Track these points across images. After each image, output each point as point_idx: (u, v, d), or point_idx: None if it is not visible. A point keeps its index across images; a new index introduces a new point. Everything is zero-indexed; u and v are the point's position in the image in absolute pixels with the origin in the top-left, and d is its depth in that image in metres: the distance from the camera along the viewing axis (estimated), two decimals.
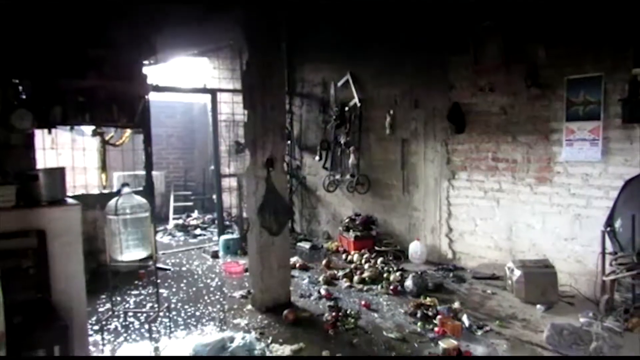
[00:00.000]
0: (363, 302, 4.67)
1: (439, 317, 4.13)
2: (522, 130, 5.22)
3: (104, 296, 4.89)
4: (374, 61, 6.76)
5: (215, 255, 6.71)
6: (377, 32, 6.62)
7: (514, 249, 5.38)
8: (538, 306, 4.46)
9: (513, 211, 5.38)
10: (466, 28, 5.58)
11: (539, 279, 4.61)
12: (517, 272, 4.71)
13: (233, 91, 7.95)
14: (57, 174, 3.39)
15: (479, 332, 3.97)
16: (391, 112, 6.55)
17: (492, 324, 4.13)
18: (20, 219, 2.97)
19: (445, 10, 5.70)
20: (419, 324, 4.16)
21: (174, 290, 5.30)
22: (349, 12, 6.66)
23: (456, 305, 4.43)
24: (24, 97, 5.03)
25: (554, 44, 4.86)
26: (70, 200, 3.33)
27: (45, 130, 5.41)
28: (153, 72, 6.97)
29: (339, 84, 7.19)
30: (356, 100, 6.92)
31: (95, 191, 6.37)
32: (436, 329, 3.99)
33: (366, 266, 5.79)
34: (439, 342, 3.68)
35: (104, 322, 4.03)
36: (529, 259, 5.02)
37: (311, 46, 7.74)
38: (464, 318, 4.14)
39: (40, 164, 5.38)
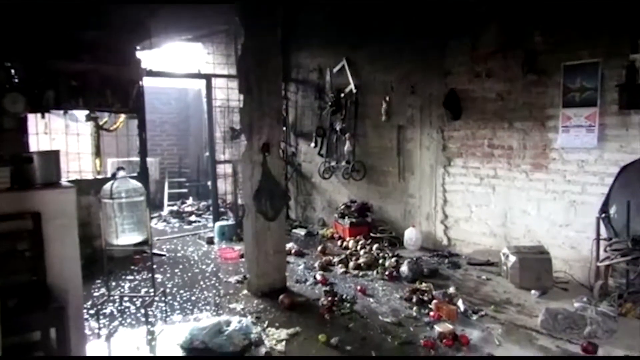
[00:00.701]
0: (359, 288, 4.68)
1: (434, 301, 4.15)
2: (519, 116, 5.21)
3: (99, 281, 4.88)
4: (370, 47, 6.72)
5: (210, 241, 6.70)
6: (373, 17, 6.57)
7: (509, 235, 5.41)
8: (532, 292, 4.49)
9: (508, 198, 5.40)
10: (464, 13, 5.55)
11: (534, 265, 4.64)
12: (512, 258, 4.74)
13: (228, 77, 7.90)
14: (52, 157, 3.35)
15: (474, 317, 3.99)
16: (387, 98, 6.52)
17: (487, 308, 4.16)
18: (15, 201, 2.93)
19: None
20: (414, 308, 4.18)
21: (169, 275, 5.29)
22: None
23: (451, 290, 4.45)
24: (16, 80, 4.97)
25: (551, 30, 4.85)
26: (65, 183, 3.30)
27: (39, 115, 5.35)
28: (147, 57, 6.90)
29: (335, 70, 7.14)
30: (352, 86, 6.88)
31: (90, 177, 6.33)
32: (432, 313, 4.01)
33: (361, 252, 5.80)
34: (435, 326, 3.71)
35: (99, 307, 4.02)
36: (524, 245, 5.05)
37: (307, 32, 7.67)
38: (459, 303, 4.16)
39: (33, 149, 5.34)
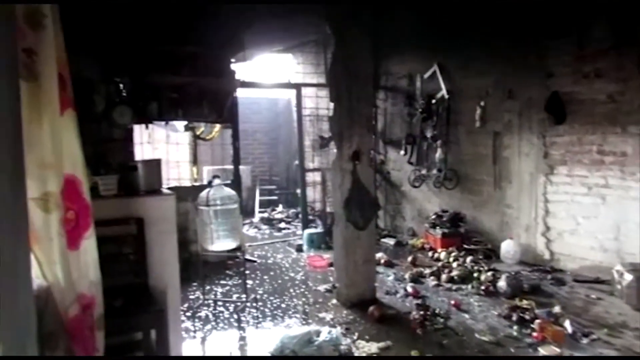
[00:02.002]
0: (452, 302, 4.46)
1: (537, 321, 3.83)
2: (634, 120, 4.73)
3: (195, 284, 5.07)
4: (463, 50, 6.45)
5: (299, 248, 6.76)
6: (466, 19, 6.31)
7: (623, 250, 4.90)
8: None
9: (621, 209, 4.90)
10: (567, 9, 5.16)
11: None
12: (628, 277, 4.29)
13: (317, 86, 7.98)
14: (154, 166, 3.53)
15: (584, 340, 3.64)
16: (482, 103, 6.22)
17: (599, 332, 3.77)
18: (121, 207, 3.11)
19: None
20: (514, 327, 3.89)
21: (260, 281, 5.39)
22: (434, 1, 6.38)
23: (557, 309, 4.10)
24: (124, 94, 5.34)
25: None
26: (165, 190, 3.46)
27: (143, 126, 5.71)
28: (241, 68, 7.15)
29: (426, 75, 6.95)
30: (444, 92, 6.65)
31: (187, 184, 6.64)
32: (534, 334, 3.71)
33: (454, 265, 5.55)
34: (539, 348, 3.43)
35: (195, 310, 4.16)
36: None
37: (396, 38, 7.54)
38: (567, 324, 3.82)
39: (138, 157, 5.71)
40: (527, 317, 3.99)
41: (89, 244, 1.79)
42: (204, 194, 3.94)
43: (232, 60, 6.35)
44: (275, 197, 10.14)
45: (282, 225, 8.57)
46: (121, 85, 5.35)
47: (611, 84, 4.88)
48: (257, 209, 9.45)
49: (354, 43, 4.50)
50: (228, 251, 4.16)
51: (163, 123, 5.91)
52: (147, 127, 5.70)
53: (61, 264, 1.59)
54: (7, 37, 1.32)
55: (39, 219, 1.52)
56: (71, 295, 1.64)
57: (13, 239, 1.32)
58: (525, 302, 4.30)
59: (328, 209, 7.68)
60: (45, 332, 1.57)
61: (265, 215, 9.18)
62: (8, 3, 1.27)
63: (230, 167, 6.46)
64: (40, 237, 1.53)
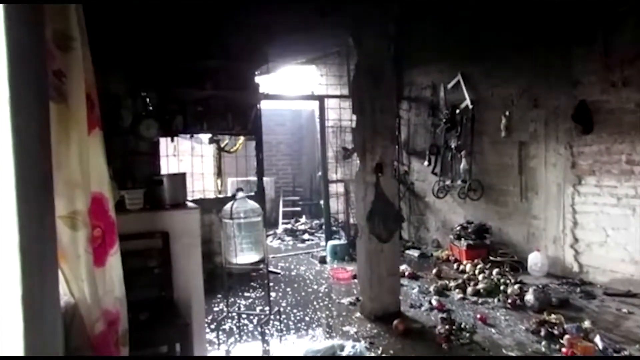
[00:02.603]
0: (478, 316, 4.38)
1: (566, 336, 3.73)
2: None
3: (219, 296, 5.10)
4: (487, 59, 6.40)
5: (322, 260, 6.75)
6: (489, 27, 6.26)
7: None
8: None
9: None
10: (592, 17, 5.07)
11: None
12: None
13: (340, 97, 8.00)
14: (179, 179, 3.59)
15: (616, 357, 3.53)
16: (507, 113, 6.14)
17: (631, 348, 3.66)
18: (147, 221, 3.17)
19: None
20: (543, 343, 3.80)
21: (283, 293, 5.39)
22: (460, 6, 6.34)
23: (586, 324, 3.99)
24: (150, 108, 5.45)
25: None
26: (190, 204, 3.51)
27: (169, 138, 5.80)
28: (264, 81, 7.23)
29: (449, 85, 6.91)
30: (468, 102, 6.60)
31: (212, 196, 6.71)
32: (564, 349, 3.61)
33: (480, 277, 5.46)
34: None
35: (219, 322, 4.18)
36: None
37: (419, 49, 7.52)
38: (597, 339, 3.70)
39: (163, 170, 5.80)
40: (555, 332, 3.89)
41: (114, 260, 1.82)
42: (227, 206, 3.97)
43: (256, 72, 6.43)
44: (298, 208, 10.17)
45: (306, 236, 8.58)
46: (147, 100, 5.46)
47: (639, 93, 4.76)
48: (280, 220, 9.49)
49: (377, 55, 4.50)
50: (252, 263, 4.18)
51: (188, 136, 6.01)
52: (172, 140, 5.79)
53: (88, 281, 1.63)
54: (37, 60, 1.36)
55: (67, 237, 1.56)
56: (97, 312, 1.68)
57: (41, 256, 1.35)
58: (553, 316, 4.20)
59: (351, 220, 7.66)
60: (71, 348, 1.60)
61: (289, 226, 9.21)
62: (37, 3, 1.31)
63: (254, 178, 6.51)
64: (67, 255, 1.57)
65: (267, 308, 4.31)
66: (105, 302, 1.73)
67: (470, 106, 6.57)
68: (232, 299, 5.08)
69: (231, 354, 3.88)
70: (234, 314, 4.53)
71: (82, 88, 1.57)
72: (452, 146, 6.85)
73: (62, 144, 1.54)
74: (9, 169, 1.10)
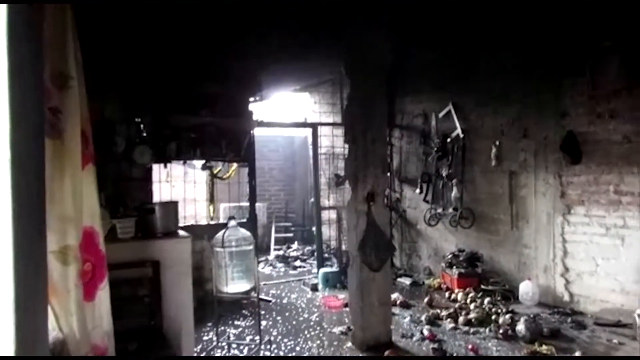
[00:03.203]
0: (470, 346, 4.37)
1: None
2: None
3: (209, 324, 5.05)
4: (478, 90, 6.52)
5: (314, 288, 6.71)
6: (481, 59, 6.40)
7: None
8: None
9: None
10: (580, 50, 5.21)
11: None
12: None
13: (333, 124, 8.08)
14: (171, 208, 3.60)
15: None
16: (497, 142, 6.23)
17: None
18: (138, 250, 3.17)
19: (556, 32, 5.38)
20: None
21: (274, 322, 5.35)
22: (452, 36, 6.49)
23: (577, 354, 3.99)
24: (144, 134, 5.48)
25: None
26: (182, 233, 3.51)
27: (162, 164, 5.82)
28: (258, 107, 7.30)
29: (441, 114, 7.01)
30: (459, 131, 6.69)
31: (204, 222, 6.70)
32: None
33: (472, 306, 5.45)
34: None
35: (208, 352, 4.14)
36: None
37: (411, 77, 7.65)
38: None
39: (156, 196, 5.80)
40: None
41: (103, 294, 1.83)
42: (219, 235, 3.98)
43: (250, 99, 6.50)
44: (291, 234, 10.15)
45: (298, 263, 8.54)
46: (142, 126, 5.50)
47: (626, 125, 4.87)
48: (272, 246, 9.45)
49: (369, 86, 4.58)
50: (243, 292, 4.17)
51: (181, 161, 6.03)
52: (165, 166, 5.81)
53: (77, 316, 1.63)
54: (35, 98, 1.40)
55: (57, 272, 1.57)
56: (86, 346, 1.67)
57: (32, 292, 1.36)
58: (544, 347, 4.20)
59: (344, 247, 7.65)
60: None
61: (281, 252, 9.18)
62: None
63: (247, 204, 6.51)
64: (57, 290, 1.57)
65: (257, 337, 4.28)
66: (94, 336, 1.73)
67: (461, 135, 6.66)
68: (222, 328, 5.03)
69: None
70: (224, 343, 4.49)
71: (78, 124, 1.60)
72: (444, 174, 6.91)
73: (56, 179, 1.56)
74: (6, 205, 1.12)
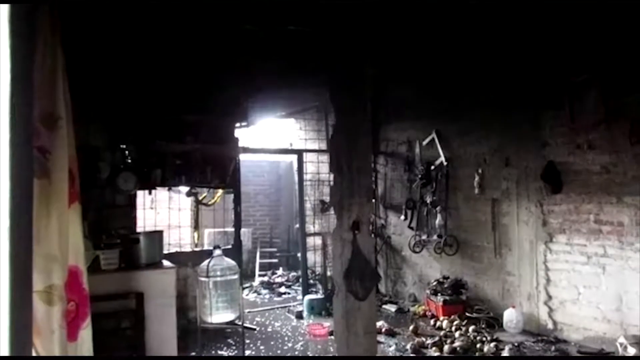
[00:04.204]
0: None
1: None
2: (629, 190, 4.80)
3: (193, 353, 4.96)
4: (461, 119, 6.65)
5: (299, 315, 6.66)
6: (463, 89, 6.54)
7: (626, 322, 4.83)
8: None
9: (622, 279, 4.88)
10: (560, 82, 5.35)
11: None
12: (632, 350, 4.21)
13: (318, 151, 8.14)
14: (156, 237, 3.60)
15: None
16: (480, 170, 6.33)
17: None
18: (122, 281, 3.15)
19: (537, 65, 5.53)
20: None
21: (258, 351, 5.27)
22: (435, 69, 6.64)
23: None
24: (129, 160, 5.46)
25: None
26: (166, 263, 3.49)
27: (146, 191, 5.79)
28: (243, 133, 7.34)
29: (424, 142, 7.12)
30: (442, 159, 6.79)
31: (188, 248, 6.65)
32: None
33: (457, 334, 5.46)
34: None
35: None
36: None
37: (396, 106, 7.78)
38: None
39: (140, 222, 5.75)
40: None
41: (86, 334, 1.81)
42: (204, 264, 3.96)
43: (236, 125, 6.54)
44: (275, 260, 10.09)
45: (283, 289, 8.48)
46: (126, 152, 5.49)
47: (604, 155, 4.99)
48: (257, 272, 9.38)
49: (353, 116, 4.64)
50: (227, 322, 4.13)
51: (166, 188, 6.01)
52: (150, 192, 5.78)
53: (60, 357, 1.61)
54: (24, 138, 1.41)
55: (42, 312, 1.56)
56: None
57: (17, 334, 1.34)
58: None
59: (329, 273, 7.63)
60: None
61: (266, 278, 9.11)
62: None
63: (232, 229, 6.49)
64: (41, 330, 1.56)
65: None
66: None
67: (445, 163, 6.75)
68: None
69: None
70: None
71: (65, 164, 1.61)
72: (428, 201, 6.98)
73: (43, 219, 1.56)
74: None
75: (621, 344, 4.43)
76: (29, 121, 1.39)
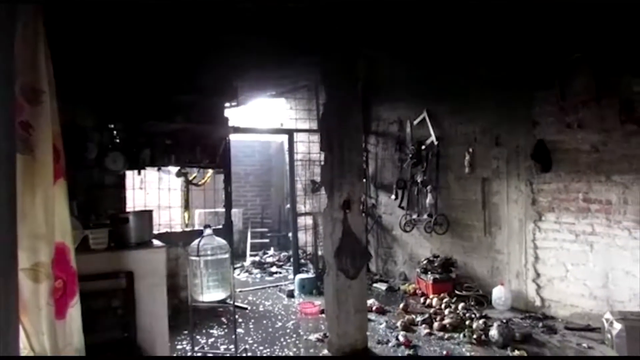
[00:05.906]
0: (445, 352, 4.43)
1: None
2: (617, 169, 4.84)
3: (184, 332, 4.99)
4: (452, 98, 6.62)
5: (290, 294, 6.70)
6: (455, 69, 6.49)
7: (612, 298, 4.92)
8: None
9: (609, 257, 4.95)
10: (551, 61, 5.34)
11: None
12: (617, 326, 4.28)
13: (309, 131, 8.10)
14: (146, 217, 3.56)
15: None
16: (470, 150, 6.34)
17: None
18: (112, 261, 3.12)
19: (528, 44, 5.50)
20: None
21: (250, 330, 5.32)
22: (427, 48, 6.59)
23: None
24: (117, 140, 5.39)
25: None
26: (156, 242, 3.47)
27: (135, 171, 5.73)
28: (234, 113, 7.27)
29: (415, 122, 7.10)
30: (433, 138, 6.78)
31: (178, 229, 6.63)
32: None
33: (446, 312, 5.52)
34: None
35: None
36: (631, 310, 4.56)
37: (387, 85, 7.73)
38: None
39: (129, 203, 5.71)
40: None
41: (74, 311, 1.80)
42: (194, 243, 3.95)
43: (226, 105, 6.47)
44: (267, 240, 10.11)
45: (274, 269, 8.51)
46: (115, 132, 5.42)
47: (594, 134, 5.01)
48: (248, 252, 9.40)
49: (344, 95, 4.61)
50: (218, 301, 4.14)
51: (156, 168, 5.95)
52: (139, 172, 5.72)
53: (48, 334, 1.59)
54: (6, 112, 1.37)
55: (29, 290, 1.54)
56: None
57: (3, 312, 1.33)
58: (517, 352, 4.28)
59: (320, 253, 7.66)
60: None
61: (257, 258, 9.14)
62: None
63: (222, 210, 6.47)
64: (29, 308, 1.54)
65: (232, 347, 4.25)
66: (66, 354, 1.70)
67: (436, 142, 6.75)
68: (198, 337, 4.98)
69: None
70: (199, 353, 4.44)
71: (49, 140, 1.58)
72: (419, 181, 6.99)
73: (27, 195, 1.53)
74: None
75: (607, 320, 4.50)
76: (11, 91, 1.36)
